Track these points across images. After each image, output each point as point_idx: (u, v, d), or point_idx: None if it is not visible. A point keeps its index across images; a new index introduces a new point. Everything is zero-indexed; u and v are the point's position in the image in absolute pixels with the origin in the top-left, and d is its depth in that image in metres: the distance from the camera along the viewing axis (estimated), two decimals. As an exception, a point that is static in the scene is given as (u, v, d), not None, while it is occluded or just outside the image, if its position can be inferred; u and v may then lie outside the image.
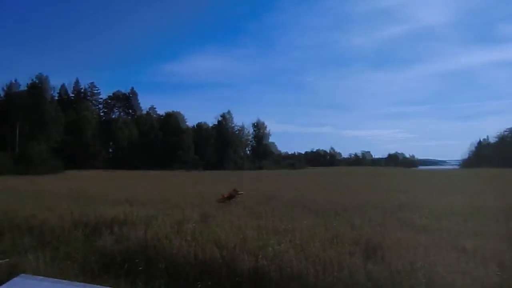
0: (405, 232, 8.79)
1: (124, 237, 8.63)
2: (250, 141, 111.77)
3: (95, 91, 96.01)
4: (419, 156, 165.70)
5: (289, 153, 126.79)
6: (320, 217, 11.57)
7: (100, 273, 6.91)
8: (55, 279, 2.71)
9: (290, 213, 12.27)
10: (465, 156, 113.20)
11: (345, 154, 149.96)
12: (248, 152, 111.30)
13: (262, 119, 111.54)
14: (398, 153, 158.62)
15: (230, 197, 15.50)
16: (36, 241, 9.04)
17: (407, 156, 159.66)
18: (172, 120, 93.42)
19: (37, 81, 75.28)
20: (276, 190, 21.79)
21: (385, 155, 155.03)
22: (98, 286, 2.52)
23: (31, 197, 16.98)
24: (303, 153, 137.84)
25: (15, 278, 2.83)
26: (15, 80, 77.78)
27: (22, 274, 2.86)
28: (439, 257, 6.41)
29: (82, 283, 2.57)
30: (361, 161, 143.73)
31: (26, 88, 75.64)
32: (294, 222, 10.06)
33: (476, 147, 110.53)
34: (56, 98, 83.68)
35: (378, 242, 7.71)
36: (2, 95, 77.32)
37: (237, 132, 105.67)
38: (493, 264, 6.18)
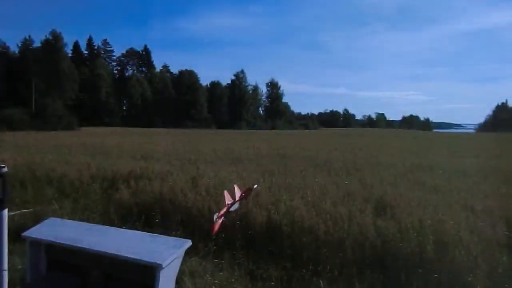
0: (415, 191, 8.89)
1: (140, 191, 8.91)
2: (264, 101, 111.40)
3: (108, 48, 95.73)
4: (435, 119, 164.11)
5: (303, 113, 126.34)
6: (332, 176, 11.71)
7: (118, 224, 7.20)
8: (81, 222, 2.88)
9: (302, 171, 12.42)
10: (482, 120, 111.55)
11: (359, 116, 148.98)
12: (262, 111, 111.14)
13: (276, 79, 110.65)
14: (413, 115, 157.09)
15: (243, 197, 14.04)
16: (57, 193, 9.39)
17: (422, 119, 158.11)
18: (185, 78, 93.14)
19: (51, 38, 75.09)
20: (288, 150, 21.98)
21: (400, 118, 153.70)
22: (122, 228, 2.68)
23: (49, 152, 17.40)
24: (316, 114, 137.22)
25: (45, 221, 3.02)
26: (29, 37, 77.85)
27: (51, 218, 3.04)
28: (448, 215, 6.52)
29: (106, 226, 2.74)
30: (375, 123, 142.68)
31: (40, 45, 75.71)
32: (306, 180, 10.22)
33: (493, 111, 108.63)
34: (70, 55, 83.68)
35: (388, 200, 7.84)
36: (16, 52, 77.63)
37: (250, 92, 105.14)
38: (502, 224, 6.28)
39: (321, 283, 5.43)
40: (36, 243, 2.84)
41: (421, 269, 5.27)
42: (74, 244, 2.58)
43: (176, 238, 2.44)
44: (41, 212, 7.56)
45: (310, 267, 5.81)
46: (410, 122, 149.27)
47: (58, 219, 2.97)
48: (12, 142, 26.75)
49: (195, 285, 4.88)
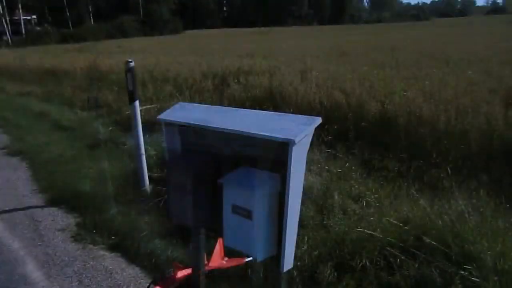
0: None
1: (250, 86, 9.09)
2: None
3: None
4: None
5: (412, 3, 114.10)
6: (450, 67, 10.68)
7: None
8: (209, 105, 2.99)
9: (416, 63, 11.51)
10: None
11: (480, 2, 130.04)
12: (366, 4, 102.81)
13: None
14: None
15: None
16: (173, 90, 10.02)
17: None
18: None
19: None
20: (398, 42, 20.34)
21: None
22: (251, 109, 2.70)
23: (162, 54, 18.36)
24: (428, 2, 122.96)
25: (175, 105, 3.19)
26: None
27: (180, 102, 3.20)
28: None
29: (234, 107, 2.79)
30: (502, 9, 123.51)
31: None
32: (422, 71, 9.49)
33: None
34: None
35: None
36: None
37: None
38: None
39: (441, 174, 5.22)
40: (170, 125, 3.03)
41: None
42: (205, 125, 2.68)
43: (305, 116, 2.39)
44: (163, 107, 8.16)
45: (429, 158, 5.58)
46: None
47: (188, 103, 3.11)
48: (128, 47, 28.71)
49: (310, 171, 5.01)
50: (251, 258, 3.50)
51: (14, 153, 7.27)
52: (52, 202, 5.18)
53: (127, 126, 8.45)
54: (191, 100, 9.15)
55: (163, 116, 3.11)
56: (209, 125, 2.68)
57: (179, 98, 9.01)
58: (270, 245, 2.45)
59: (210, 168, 2.85)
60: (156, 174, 5.53)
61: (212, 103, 8.60)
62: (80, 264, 3.75)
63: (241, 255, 3.45)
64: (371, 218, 3.98)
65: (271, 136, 2.26)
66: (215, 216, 2.92)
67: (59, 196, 5.26)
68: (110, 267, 3.70)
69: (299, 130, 2.23)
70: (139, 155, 5.19)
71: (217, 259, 3.44)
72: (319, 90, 7.76)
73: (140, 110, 8.37)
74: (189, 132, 2.98)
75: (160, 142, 6.47)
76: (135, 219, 4.47)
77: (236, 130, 2.49)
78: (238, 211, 2.46)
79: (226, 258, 3.46)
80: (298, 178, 2.33)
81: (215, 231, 3.12)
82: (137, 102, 5.11)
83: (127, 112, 8.78)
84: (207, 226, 3.04)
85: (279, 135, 2.24)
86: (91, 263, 3.77)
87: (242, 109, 2.78)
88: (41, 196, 5.38)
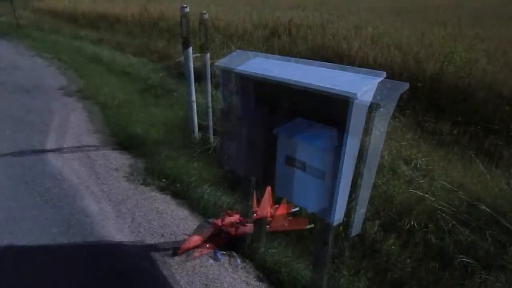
0: None
1: (301, 39, 8.85)
2: None
3: None
4: None
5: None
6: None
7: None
8: (268, 54, 2.93)
9: (481, 22, 10.74)
10: None
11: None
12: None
13: None
14: None
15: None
16: (224, 38, 9.92)
17: None
18: None
19: None
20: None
21: None
22: (310, 61, 2.62)
23: (213, 3, 18.08)
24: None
25: (234, 53, 3.16)
26: None
27: (239, 50, 3.16)
28: None
29: (294, 59, 2.72)
30: None
31: None
32: (486, 31, 8.86)
33: None
34: None
35: None
36: None
37: None
38: None
39: (499, 142, 4.98)
40: (227, 73, 3.01)
41: None
42: (264, 74, 2.64)
43: (368, 69, 2.29)
44: (211, 56, 8.12)
45: (487, 124, 5.31)
46: None
47: (246, 52, 3.06)
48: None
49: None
50: (312, 225, 3.55)
51: (71, 94, 7.57)
52: (107, 143, 5.40)
53: (177, 73, 8.56)
54: (242, 49, 9.04)
55: (220, 63, 3.09)
56: (267, 75, 2.64)
57: (230, 47, 8.96)
58: (323, 198, 2.45)
59: (266, 118, 2.84)
60: (205, 122, 5.61)
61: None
62: (133, 202, 3.94)
63: (292, 205, 3.51)
64: (422, 181, 3.90)
65: (331, 89, 2.19)
66: (267, 166, 2.94)
67: (113, 138, 5.49)
68: (161, 208, 3.86)
69: (361, 84, 2.15)
70: (190, 103, 5.24)
71: (265, 208, 3.51)
72: (374, 46, 7.45)
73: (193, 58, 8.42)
74: (246, 81, 2.95)
75: (210, 90, 6.53)
76: (185, 164, 4.60)
77: (295, 82, 2.44)
78: (292, 162, 2.46)
79: (289, 219, 3.52)
80: (356, 136, 2.28)
81: (267, 181, 3.17)
82: (190, 49, 5.11)
83: (177, 60, 8.86)
84: (259, 176, 3.08)
85: (340, 89, 2.17)
86: (143, 202, 3.95)
87: (302, 60, 2.70)
88: (96, 137, 5.61)
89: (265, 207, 3.45)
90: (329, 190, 2.41)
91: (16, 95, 7.52)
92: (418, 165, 4.28)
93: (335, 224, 2.49)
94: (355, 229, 2.54)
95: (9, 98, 7.36)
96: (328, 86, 2.23)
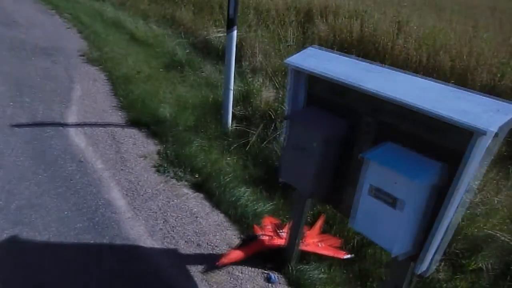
0: None
1: (338, 28, 8.32)
2: None
3: None
4: None
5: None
6: None
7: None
8: (350, 56, 2.50)
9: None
10: None
11: None
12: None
13: None
14: None
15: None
16: (254, 19, 9.39)
17: None
18: None
19: None
20: (497, 1, 18.21)
21: None
22: (407, 73, 2.20)
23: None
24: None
25: (306, 50, 2.73)
26: None
27: (312, 46, 2.73)
28: None
29: (386, 67, 2.30)
30: None
31: None
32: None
33: None
34: None
35: None
36: None
37: None
38: None
39: None
40: (298, 73, 2.59)
41: None
42: (343, 80, 2.21)
43: (498, 100, 1.86)
44: (241, 36, 7.64)
45: None
46: None
47: (322, 50, 2.62)
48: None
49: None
50: (352, 256, 3.17)
51: (93, 62, 7.11)
52: (132, 123, 5.00)
53: (204, 50, 8.07)
54: (272, 33, 8.56)
55: (291, 60, 2.66)
56: (348, 80, 2.22)
57: (260, 28, 8.48)
58: (410, 242, 2.07)
59: (342, 133, 2.44)
60: (239, 112, 5.19)
61: (293, 41, 8.01)
62: (163, 199, 3.57)
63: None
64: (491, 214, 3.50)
65: (449, 117, 1.78)
66: (338, 189, 2.55)
67: (139, 118, 5.05)
68: (195, 209, 3.49)
69: (491, 119, 1.74)
70: (227, 90, 4.81)
71: (314, 236, 3.16)
72: (420, 47, 6.95)
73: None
74: (323, 86, 2.52)
75: (245, 77, 6.08)
76: (218, 159, 4.21)
77: (385, 95, 2.02)
78: (380, 196, 2.06)
79: (322, 243, 3.16)
80: (470, 176, 1.88)
81: (331, 203, 2.78)
82: (235, 32, 4.64)
83: (206, 37, 8.38)
84: (325, 199, 2.69)
85: (463, 119, 1.75)
86: (175, 200, 3.57)
87: (396, 70, 2.27)
88: (121, 115, 5.20)
89: (313, 236, 3.11)
90: (422, 234, 2.03)
91: (35, 57, 7.07)
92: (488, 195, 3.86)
93: (421, 273, 2.13)
94: (430, 269, 2.18)
95: (28, 60, 6.92)
96: (444, 112, 1.82)
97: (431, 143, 1.98)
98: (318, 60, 2.55)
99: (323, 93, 2.54)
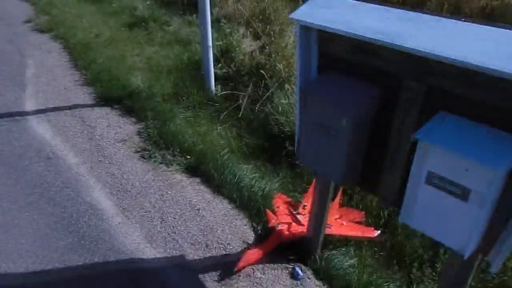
0: None
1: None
2: None
3: None
4: None
5: None
6: None
7: None
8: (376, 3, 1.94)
9: None
10: None
11: None
12: None
13: None
14: None
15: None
16: None
17: None
18: None
19: None
20: None
21: None
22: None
23: None
24: None
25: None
26: None
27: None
28: None
29: (427, 13, 1.76)
30: None
31: None
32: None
33: None
34: None
35: None
36: None
37: None
38: None
39: None
40: (309, 31, 2.03)
41: None
42: (379, 38, 1.69)
43: None
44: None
45: None
46: None
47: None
48: None
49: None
50: (380, 232, 2.76)
51: (42, 29, 6.20)
52: (102, 100, 4.33)
53: (168, 1, 7.20)
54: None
55: (298, 14, 2.08)
56: (385, 39, 1.68)
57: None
58: (481, 236, 1.66)
59: (376, 106, 1.94)
60: (221, 71, 4.58)
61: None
62: (156, 193, 3.06)
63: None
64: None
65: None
66: (376, 173, 2.09)
67: (108, 93, 4.37)
68: (194, 200, 3.01)
69: None
70: (206, 47, 4.16)
71: (334, 213, 2.74)
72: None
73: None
74: (344, 45, 1.98)
75: (220, 28, 5.38)
76: (209, 132, 3.69)
77: (437, 54, 1.52)
78: (443, 185, 1.61)
79: (344, 220, 2.75)
80: None
81: (366, 188, 2.33)
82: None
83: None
84: (358, 182, 2.23)
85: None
86: (169, 192, 3.07)
87: (450, 17, 1.74)
88: (86, 91, 4.51)
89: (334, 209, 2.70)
90: (495, 229, 1.63)
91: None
92: None
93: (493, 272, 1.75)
94: (495, 266, 1.80)
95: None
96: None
97: (510, 114, 1.51)
98: (335, 11, 1.98)
99: (345, 55, 1.99)
